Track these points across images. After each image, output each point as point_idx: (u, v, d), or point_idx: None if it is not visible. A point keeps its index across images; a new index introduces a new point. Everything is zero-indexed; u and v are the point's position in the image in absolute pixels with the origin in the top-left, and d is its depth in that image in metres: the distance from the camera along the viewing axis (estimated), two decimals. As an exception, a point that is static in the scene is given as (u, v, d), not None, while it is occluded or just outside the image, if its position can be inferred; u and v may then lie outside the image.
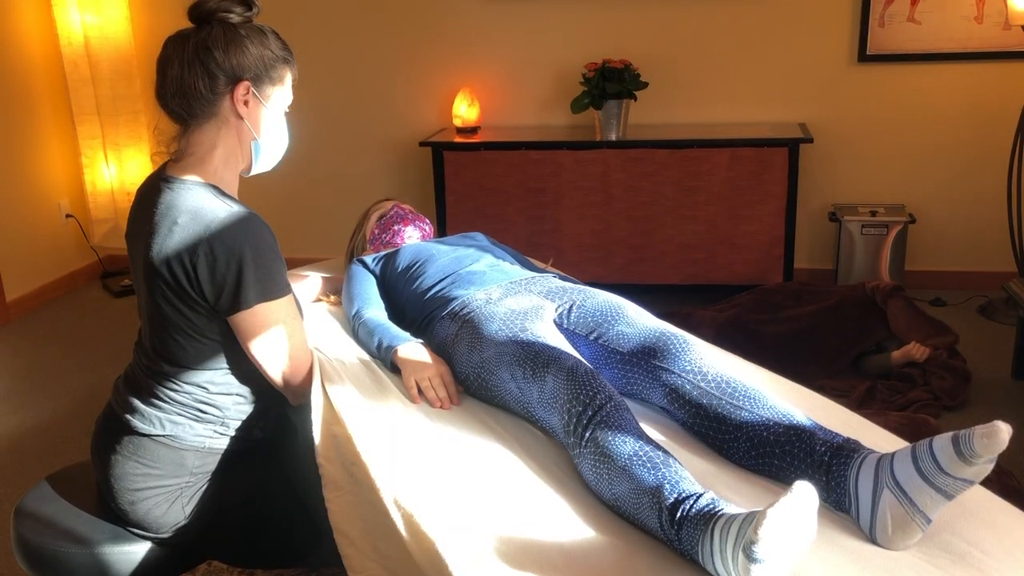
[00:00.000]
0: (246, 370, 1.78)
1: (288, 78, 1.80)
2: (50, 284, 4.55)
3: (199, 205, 1.67)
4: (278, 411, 1.92)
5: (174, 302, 1.69)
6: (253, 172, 1.85)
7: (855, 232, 3.95)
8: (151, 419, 1.74)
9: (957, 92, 4.06)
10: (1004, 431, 1.29)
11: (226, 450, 1.81)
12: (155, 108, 1.77)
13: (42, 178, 4.53)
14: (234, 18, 1.71)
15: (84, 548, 1.78)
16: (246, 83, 1.71)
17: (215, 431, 1.78)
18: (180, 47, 1.70)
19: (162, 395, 1.75)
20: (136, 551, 1.80)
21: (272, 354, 1.76)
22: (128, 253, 1.81)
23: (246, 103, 1.73)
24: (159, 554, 1.83)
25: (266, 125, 1.78)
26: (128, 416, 1.76)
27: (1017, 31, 3.85)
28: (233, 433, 1.81)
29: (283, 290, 1.74)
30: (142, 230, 1.71)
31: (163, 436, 1.74)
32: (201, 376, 1.75)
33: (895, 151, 4.17)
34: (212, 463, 1.80)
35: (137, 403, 1.76)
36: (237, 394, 1.80)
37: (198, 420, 1.76)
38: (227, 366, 1.76)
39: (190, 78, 1.68)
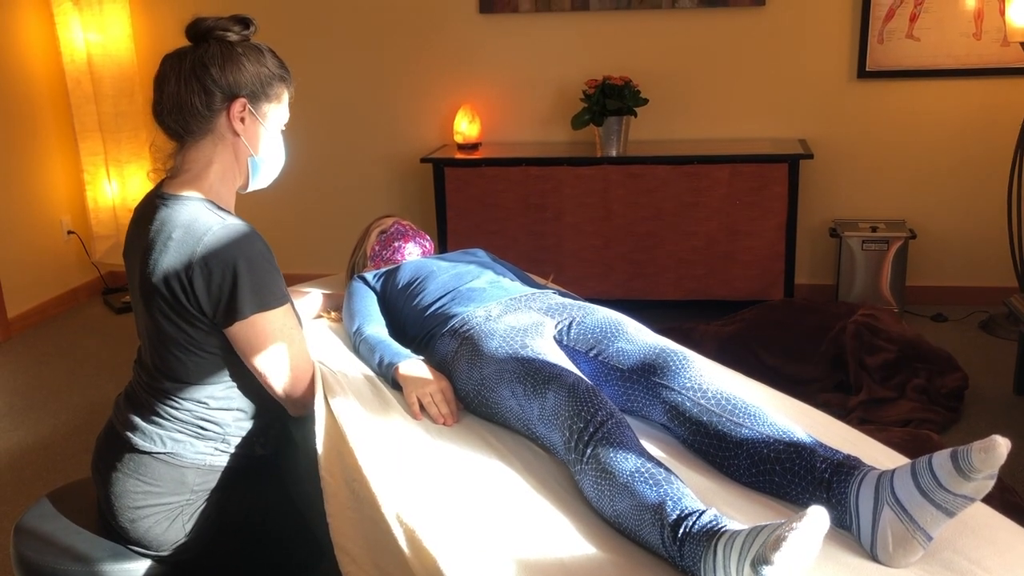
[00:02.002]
0: (246, 384, 1.78)
1: (285, 96, 1.81)
2: (52, 300, 4.56)
3: (193, 219, 1.68)
4: (279, 427, 1.92)
5: (172, 318, 1.69)
6: (250, 189, 1.86)
7: (856, 248, 3.96)
8: (152, 436, 1.74)
9: (956, 108, 4.07)
10: (1002, 445, 1.29)
11: (227, 467, 1.80)
12: (152, 125, 1.77)
13: (44, 194, 4.54)
14: (232, 36, 1.73)
15: (84, 566, 1.78)
16: (242, 100, 1.72)
17: (216, 448, 1.78)
18: (177, 64, 1.71)
19: (163, 412, 1.75)
20: (136, 569, 1.80)
21: (273, 365, 1.75)
22: (126, 271, 1.82)
23: (242, 120, 1.74)
24: (159, 572, 1.82)
25: (262, 142, 1.79)
26: (129, 434, 1.76)
27: (1015, 48, 3.86)
28: (234, 450, 1.81)
29: (280, 299, 1.73)
30: (138, 248, 1.71)
31: (164, 454, 1.74)
32: (201, 392, 1.75)
33: (895, 167, 4.18)
34: (213, 481, 1.79)
35: (138, 420, 1.76)
36: (238, 409, 1.79)
37: (199, 437, 1.76)
38: (227, 380, 1.76)
39: (187, 94, 1.69)
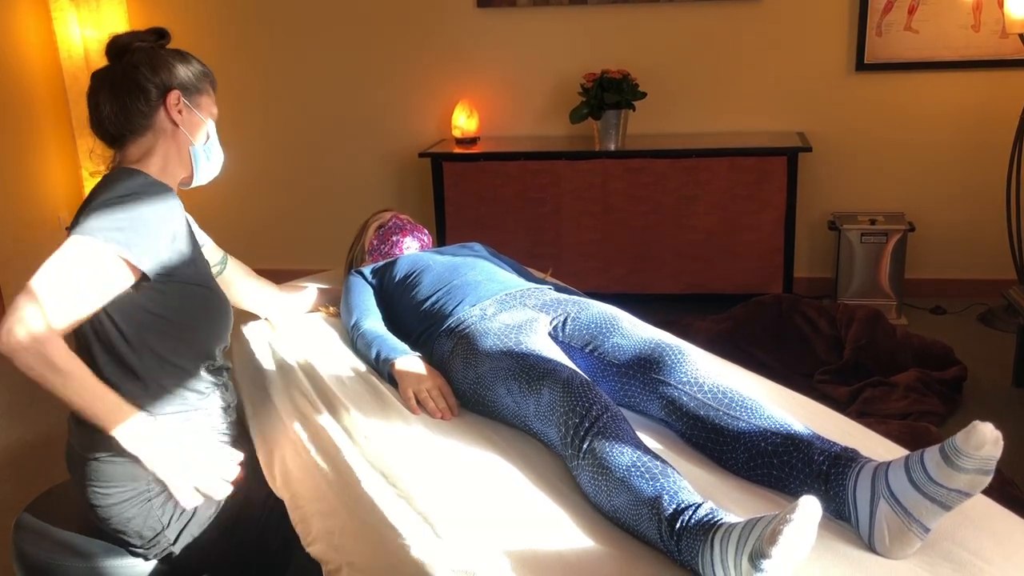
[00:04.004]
0: (144, 365, 1.73)
1: (212, 93, 1.88)
2: (50, 297, 4.55)
3: (114, 177, 1.70)
4: (221, 404, 1.90)
5: None
6: (194, 184, 1.90)
7: (855, 240, 3.95)
8: (94, 442, 1.72)
9: (955, 100, 4.07)
10: (984, 425, 1.29)
11: None
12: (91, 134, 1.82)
13: (42, 190, 4.54)
14: (149, 46, 1.80)
15: (84, 562, 1.79)
16: (176, 92, 1.79)
17: None
18: (107, 75, 1.78)
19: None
20: (135, 564, 1.81)
21: (34, 284, 1.54)
22: None
23: (180, 112, 1.79)
24: (157, 569, 1.83)
25: (201, 133, 1.85)
26: (79, 446, 1.76)
27: (1014, 39, 3.86)
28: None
29: (111, 238, 1.58)
30: None
31: (109, 456, 1.72)
32: (118, 373, 1.72)
33: (894, 159, 4.17)
34: None
35: (82, 429, 1.74)
36: (148, 396, 1.75)
37: None
38: (121, 367, 1.72)
39: (123, 97, 1.76)
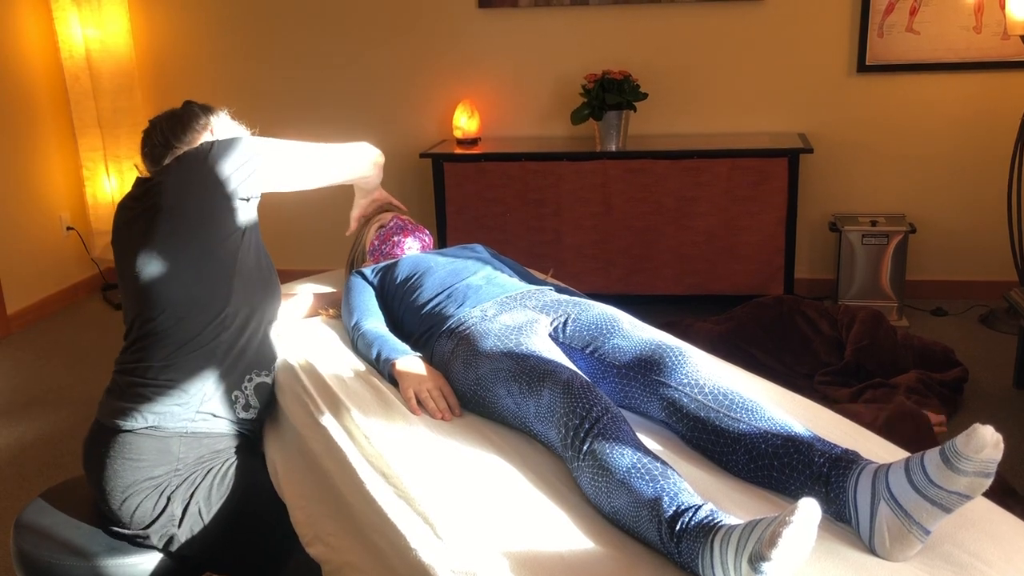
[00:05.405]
0: (198, 341, 1.82)
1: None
2: (51, 297, 4.56)
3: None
4: (264, 391, 1.95)
5: (189, 232, 1.81)
6: None
7: (856, 242, 3.95)
8: (133, 415, 1.79)
9: (956, 102, 4.07)
10: (985, 428, 1.29)
11: (213, 436, 1.82)
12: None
13: (43, 191, 4.54)
14: None
15: (84, 561, 1.79)
16: (222, 112, 2.07)
17: (197, 413, 1.81)
18: (155, 127, 2.00)
19: (137, 385, 1.79)
20: (135, 563, 1.81)
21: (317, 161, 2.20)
22: (116, 255, 1.89)
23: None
24: (159, 566, 1.83)
25: None
26: (113, 420, 1.80)
27: (1015, 41, 3.86)
28: (215, 416, 1.83)
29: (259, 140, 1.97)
30: (137, 209, 1.83)
31: (147, 428, 1.79)
32: (162, 349, 1.81)
33: (895, 161, 4.17)
34: (197, 450, 1.81)
35: (119, 404, 1.81)
36: (197, 369, 1.83)
37: (174, 400, 1.79)
38: (181, 341, 1.82)
39: (181, 125, 1.97)
